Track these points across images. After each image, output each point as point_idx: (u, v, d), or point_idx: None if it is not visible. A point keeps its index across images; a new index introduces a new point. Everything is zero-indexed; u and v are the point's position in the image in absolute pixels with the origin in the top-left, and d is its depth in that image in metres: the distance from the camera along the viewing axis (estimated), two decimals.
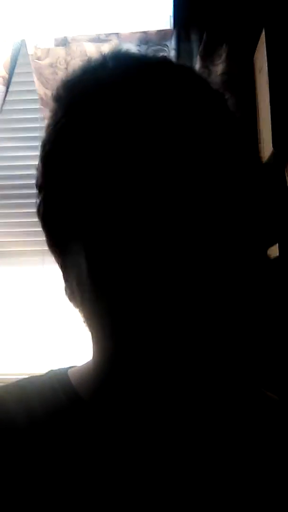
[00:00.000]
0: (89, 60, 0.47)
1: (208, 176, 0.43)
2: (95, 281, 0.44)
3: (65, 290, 0.49)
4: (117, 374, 0.46)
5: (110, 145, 0.42)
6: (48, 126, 0.46)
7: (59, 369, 0.53)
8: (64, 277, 0.49)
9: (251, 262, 0.46)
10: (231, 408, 0.48)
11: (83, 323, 0.48)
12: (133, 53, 0.50)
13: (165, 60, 0.48)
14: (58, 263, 0.49)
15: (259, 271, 0.46)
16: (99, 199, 0.42)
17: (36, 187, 0.48)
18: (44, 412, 0.47)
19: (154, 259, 0.41)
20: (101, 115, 0.43)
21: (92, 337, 0.48)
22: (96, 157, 0.42)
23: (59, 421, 0.47)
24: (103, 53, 0.47)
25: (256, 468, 0.45)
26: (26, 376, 0.54)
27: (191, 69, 0.48)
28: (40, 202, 0.48)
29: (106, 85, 0.44)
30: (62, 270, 0.49)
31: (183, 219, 0.42)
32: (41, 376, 0.53)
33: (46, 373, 0.53)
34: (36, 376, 0.53)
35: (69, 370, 0.53)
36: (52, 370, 0.53)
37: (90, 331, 0.48)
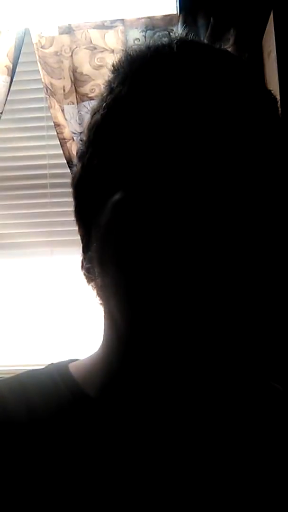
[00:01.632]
0: (155, 39, 0.47)
1: (257, 177, 0.42)
2: (119, 258, 0.42)
3: (82, 263, 0.48)
4: (129, 366, 0.45)
5: (169, 122, 0.42)
6: (104, 93, 0.47)
7: (59, 363, 0.52)
8: (85, 248, 0.48)
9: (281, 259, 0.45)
10: (237, 400, 0.47)
11: (97, 303, 0.47)
12: (199, 40, 0.51)
13: (227, 52, 0.48)
14: (80, 235, 0.49)
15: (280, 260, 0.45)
16: (143, 175, 0.42)
17: (77, 155, 0.49)
18: (46, 408, 0.47)
19: (186, 244, 0.40)
20: (163, 95, 0.43)
21: (106, 320, 0.47)
22: (152, 133, 0.42)
23: (64, 419, 0.46)
24: (169, 36, 0.47)
25: (262, 459, 0.45)
26: (26, 370, 0.53)
27: (246, 64, 0.48)
28: (78, 169, 0.48)
29: (171, 66, 0.44)
30: (84, 242, 0.48)
31: (223, 210, 0.41)
32: (42, 369, 0.52)
33: (47, 367, 0.52)
34: (36, 369, 0.52)
35: (70, 364, 0.52)
36: (52, 364, 0.53)
37: (105, 311, 0.47)
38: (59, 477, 0.43)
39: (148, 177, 0.41)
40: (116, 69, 0.47)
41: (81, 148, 0.48)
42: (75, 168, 0.49)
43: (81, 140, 0.49)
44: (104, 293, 0.46)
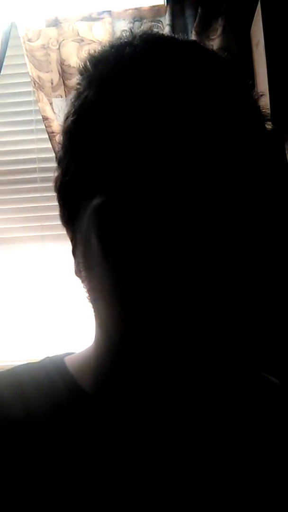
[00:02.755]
0: (118, 38, 0.47)
1: (235, 168, 0.42)
2: (106, 258, 0.42)
3: (74, 266, 0.48)
4: (123, 364, 0.45)
5: (137, 124, 0.41)
6: (73, 98, 0.46)
7: (55, 356, 0.52)
8: (73, 252, 0.48)
9: (267, 250, 0.45)
10: (232, 395, 0.47)
11: (89, 304, 0.47)
12: (162, 34, 0.50)
13: (195, 44, 0.47)
14: (69, 238, 0.49)
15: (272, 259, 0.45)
16: (119, 179, 0.41)
17: (56, 160, 0.48)
18: (42, 404, 0.46)
19: (171, 241, 0.39)
20: (130, 95, 0.42)
21: (96, 320, 0.47)
22: (122, 136, 0.42)
23: (61, 415, 0.45)
24: (131, 31, 0.46)
25: (259, 454, 0.44)
26: (22, 363, 0.53)
27: (221, 56, 0.47)
28: (58, 174, 0.48)
29: (135, 65, 0.43)
30: (72, 245, 0.48)
31: (207, 203, 0.40)
32: (38, 363, 0.52)
33: (42, 360, 0.52)
34: (32, 363, 0.52)
35: (65, 358, 0.51)
36: (48, 357, 0.52)
37: (95, 312, 0.46)
38: (57, 474, 0.43)
39: (124, 181, 0.41)
40: (82, 72, 0.47)
41: (60, 152, 0.48)
42: (56, 173, 0.49)
43: (59, 143, 0.49)
44: (91, 296, 0.46)
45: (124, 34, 0.47)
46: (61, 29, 1.61)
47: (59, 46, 1.61)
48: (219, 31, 1.48)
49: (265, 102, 0.49)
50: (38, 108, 1.63)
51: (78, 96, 0.46)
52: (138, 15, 1.60)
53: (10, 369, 0.51)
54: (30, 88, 1.66)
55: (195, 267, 0.40)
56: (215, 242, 0.40)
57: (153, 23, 1.58)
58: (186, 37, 1.54)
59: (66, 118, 0.47)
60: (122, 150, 0.41)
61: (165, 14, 1.57)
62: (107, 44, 0.47)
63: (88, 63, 0.47)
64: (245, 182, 0.42)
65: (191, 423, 0.45)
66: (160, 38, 0.47)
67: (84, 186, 0.44)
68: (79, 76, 0.47)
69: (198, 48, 0.46)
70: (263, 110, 0.47)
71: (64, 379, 0.48)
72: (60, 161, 0.48)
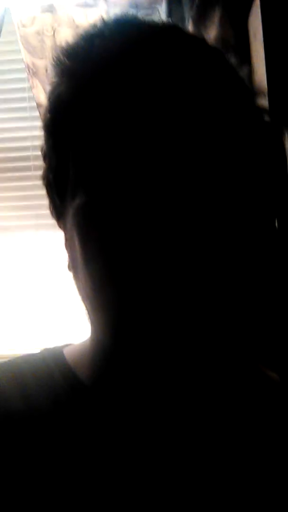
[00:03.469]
0: (92, 26, 0.45)
1: (215, 160, 0.41)
2: (86, 264, 0.42)
3: (67, 260, 0.48)
4: (115, 360, 0.44)
5: (109, 123, 0.41)
6: (49, 93, 0.46)
7: (54, 348, 0.52)
8: (65, 246, 0.48)
9: (257, 238, 0.45)
10: (231, 390, 0.47)
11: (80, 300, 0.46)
12: (137, 20, 0.47)
13: (173, 29, 0.45)
14: (62, 231, 0.49)
15: (265, 248, 0.45)
16: (99, 176, 0.41)
17: (41, 154, 0.48)
18: (41, 395, 0.46)
19: (152, 238, 0.39)
20: (99, 93, 0.41)
21: (89, 318, 0.47)
22: (95, 136, 0.41)
23: (60, 408, 0.45)
24: (105, 19, 0.45)
25: (258, 451, 0.44)
26: (21, 355, 0.52)
27: (203, 40, 0.46)
28: (43, 170, 0.47)
29: (104, 61, 0.42)
30: (64, 239, 0.48)
31: (187, 199, 0.40)
32: (37, 354, 0.51)
33: (41, 352, 0.52)
34: (31, 354, 0.52)
35: (64, 349, 0.51)
36: (46, 349, 0.52)
37: (86, 310, 0.46)
38: (56, 467, 0.42)
39: (104, 181, 0.40)
40: (55, 65, 0.46)
41: (44, 147, 0.47)
42: (43, 165, 0.48)
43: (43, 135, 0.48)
44: (79, 294, 0.45)
45: (96, 23, 0.45)
46: (56, 16, 1.59)
47: (54, 32, 1.59)
48: (216, 21, 1.46)
49: (263, 91, 0.49)
50: (32, 95, 1.61)
51: (52, 92, 0.45)
52: (134, 2, 1.58)
53: (10, 359, 0.51)
54: (24, 75, 1.64)
55: (176, 274, 0.39)
56: (195, 236, 0.40)
57: (149, 11, 1.56)
58: (183, 26, 1.53)
59: (45, 113, 0.46)
60: (98, 149, 0.41)
61: (162, 2, 1.55)
62: (79, 35, 0.45)
63: (61, 56, 0.45)
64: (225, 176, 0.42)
65: (188, 415, 0.44)
66: (132, 27, 0.45)
67: (66, 184, 0.44)
68: (53, 69, 0.46)
69: (173, 35, 0.44)
70: (254, 91, 0.46)
71: (62, 371, 0.48)
72: (44, 155, 0.47)
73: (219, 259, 0.41)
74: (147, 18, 0.47)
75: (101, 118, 0.41)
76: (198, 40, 0.46)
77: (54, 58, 0.46)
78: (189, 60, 0.42)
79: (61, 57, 0.45)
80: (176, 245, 0.39)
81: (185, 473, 0.42)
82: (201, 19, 1.47)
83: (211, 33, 1.46)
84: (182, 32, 0.46)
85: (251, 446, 0.44)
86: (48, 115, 0.46)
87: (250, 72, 1.37)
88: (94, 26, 0.45)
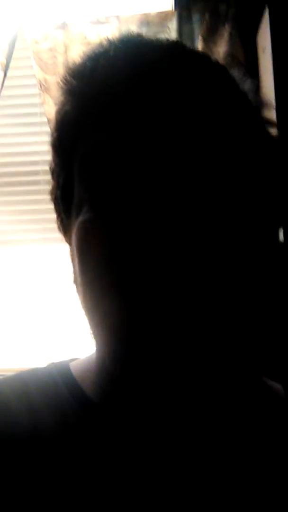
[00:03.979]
0: (98, 45, 0.46)
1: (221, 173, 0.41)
2: (84, 279, 0.42)
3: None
4: (119, 379, 0.44)
5: (113, 143, 0.41)
6: (56, 112, 0.46)
7: (60, 362, 0.51)
8: (72, 260, 0.48)
9: (261, 248, 0.45)
10: (236, 403, 0.46)
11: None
12: (142, 39, 0.47)
13: (176, 47, 0.46)
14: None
15: (269, 257, 0.44)
16: (104, 193, 0.41)
17: (50, 171, 0.48)
18: (48, 411, 0.46)
19: (153, 254, 0.39)
20: (103, 110, 0.42)
21: (91, 332, 0.46)
22: (100, 156, 0.41)
23: (67, 424, 0.45)
24: (110, 39, 0.45)
25: (263, 463, 0.44)
26: (27, 369, 0.52)
27: (205, 57, 0.46)
28: (52, 186, 0.48)
29: (108, 81, 0.43)
30: (70, 254, 0.48)
31: (190, 214, 0.40)
32: (43, 369, 0.51)
33: (47, 366, 0.51)
34: (38, 368, 0.51)
35: (70, 364, 0.51)
36: (53, 363, 0.52)
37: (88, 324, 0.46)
38: (64, 485, 0.42)
39: (108, 198, 0.40)
40: (63, 85, 0.46)
41: (51, 164, 0.48)
42: (52, 182, 0.49)
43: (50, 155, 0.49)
44: (81, 307, 0.45)
45: (102, 43, 0.46)
46: (68, 32, 1.61)
47: (66, 49, 1.61)
48: (225, 37, 1.48)
49: (271, 109, 0.49)
50: (43, 110, 1.63)
51: (59, 110, 0.46)
52: (146, 20, 1.60)
53: (17, 374, 0.51)
54: (36, 90, 1.66)
55: (177, 292, 0.39)
56: (197, 257, 0.39)
57: (160, 29, 1.58)
58: (192, 42, 1.54)
59: (52, 132, 0.47)
60: (99, 168, 0.41)
61: (172, 20, 1.57)
62: (86, 54, 0.46)
63: (68, 76, 0.46)
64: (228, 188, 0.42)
65: (193, 430, 0.44)
66: (136, 46, 0.45)
67: (72, 201, 0.44)
68: (60, 88, 0.47)
69: (177, 53, 0.45)
70: (259, 105, 0.46)
71: (69, 387, 0.48)
72: (52, 172, 0.48)
73: (223, 270, 0.41)
74: (153, 36, 0.47)
75: (105, 137, 0.41)
76: (201, 56, 0.46)
77: (62, 77, 0.47)
78: (191, 77, 0.43)
79: (68, 77, 0.46)
80: (178, 261, 0.39)
81: (194, 491, 0.42)
82: (210, 35, 1.48)
83: (220, 49, 1.47)
84: (185, 49, 0.46)
85: (256, 459, 0.44)
86: (55, 133, 0.46)
87: (258, 86, 1.38)
88: (100, 45, 0.46)
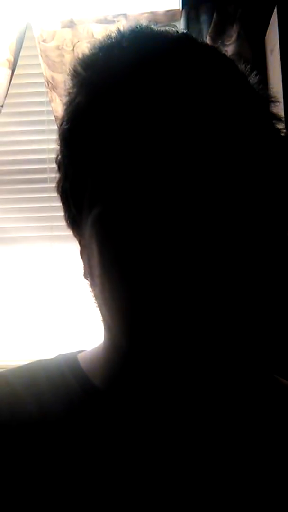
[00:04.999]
0: (108, 37, 0.45)
1: (236, 172, 0.41)
2: (105, 270, 0.42)
3: (83, 268, 0.48)
4: (130, 365, 0.45)
5: (128, 132, 0.41)
6: (66, 103, 0.46)
7: (67, 354, 0.52)
8: (81, 254, 0.48)
9: (272, 248, 0.45)
10: (242, 396, 0.47)
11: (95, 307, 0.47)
12: (152, 31, 0.46)
13: (186, 39, 0.45)
14: (77, 240, 0.49)
15: (279, 258, 0.45)
16: (119, 185, 0.41)
17: (56, 163, 0.48)
18: (55, 399, 0.46)
19: (171, 248, 0.39)
20: (120, 102, 0.42)
21: (103, 323, 0.47)
22: (116, 145, 0.41)
23: (74, 411, 0.45)
24: (121, 30, 0.45)
25: (265, 456, 0.44)
26: (35, 360, 0.53)
27: (214, 49, 0.46)
28: (59, 178, 0.47)
29: (123, 69, 0.43)
30: (80, 247, 0.48)
31: (207, 205, 0.40)
32: (51, 360, 0.52)
33: (55, 357, 0.52)
34: (45, 360, 0.52)
35: (78, 355, 0.51)
36: (61, 354, 0.52)
37: (101, 316, 0.46)
38: (71, 472, 0.43)
39: (123, 190, 0.41)
40: (72, 76, 0.46)
41: (59, 156, 0.47)
42: (57, 175, 0.48)
43: (58, 145, 0.48)
44: (97, 301, 0.46)
45: (112, 34, 0.45)
46: (76, 31, 1.62)
47: (74, 47, 1.61)
48: (233, 37, 1.48)
49: (279, 108, 0.49)
50: (50, 108, 1.64)
51: (70, 102, 0.45)
52: (153, 19, 1.60)
53: (24, 365, 0.51)
54: (43, 89, 1.66)
55: (196, 277, 0.40)
56: (213, 246, 0.40)
57: (168, 28, 1.58)
58: None
59: (61, 123, 0.46)
60: (117, 158, 0.41)
61: (180, 19, 1.57)
62: (96, 46, 0.46)
63: (78, 67, 0.46)
64: (241, 184, 0.42)
65: (199, 421, 0.44)
66: (148, 38, 0.45)
67: (84, 193, 0.44)
68: (70, 80, 0.46)
69: (188, 45, 0.45)
70: (267, 98, 0.46)
71: (77, 376, 0.48)
72: (59, 165, 0.47)
73: (233, 264, 0.41)
74: (162, 28, 0.47)
75: (120, 128, 0.41)
76: (211, 49, 0.46)
77: (71, 69, 0.46)
78: (205, 69, 0.43)
79: (78, 68, 0.46)
80: (189, 253, 0.39)
81: (200, 480, 0.42)
82: (218, 35, 1.48)
83: (228, 49, 1.47)
84: (196, 41, 0.46)
85: (266, 455, 0.44)
86: (66, 125, 0.46)
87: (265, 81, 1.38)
88: (109, 37, 0.45)
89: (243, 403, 0.47)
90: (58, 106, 1.61)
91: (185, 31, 0.47)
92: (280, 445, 0.45)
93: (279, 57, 1.20)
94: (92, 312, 0.47)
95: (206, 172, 0.40)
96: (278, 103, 0.47)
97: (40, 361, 0.52)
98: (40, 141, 1.74)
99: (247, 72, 0.46)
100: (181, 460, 0.43)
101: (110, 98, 0.42)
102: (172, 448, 0.43)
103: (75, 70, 0.46)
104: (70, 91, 0.46)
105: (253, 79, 0.46)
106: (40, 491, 0.42)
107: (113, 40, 0.45)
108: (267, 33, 1.40)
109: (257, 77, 0.46)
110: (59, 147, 0.47)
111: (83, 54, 0.46)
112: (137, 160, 0.40)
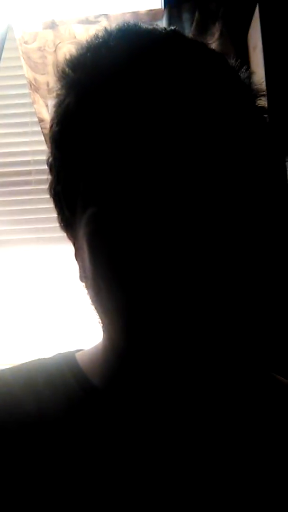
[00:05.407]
0: (95, 36, 0.45)
1: (222, 167, 0.41)
2: (96, 271, 0.42)
3: (78, 271, 0.48)
4: (128, 365, 0.45)
5: (117, 133, 0.41)
6: (56, 105, 0.45)
7: (66, 352, 0.52)
8: (76, 256, 0.48)
9: (263, 249, 0.45)
10: (243, 394, 0.47)
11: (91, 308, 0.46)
12: (140, 28, 0.46)
13: (174, 35, 0.45)
14: (71, 242, 0.49)
15: (269, 257, 0.45)
16: (109, 186, 0.41)
17: (47, 166, 0.47)
18: (53, 398, 0.46)
19: (166, 246, 0.39)
20: (108, 103, 0.41)
21: (100, 323, 0.47)
22: (105, 146, 0.41)
23: (72, 410, 0.45)
24: (108, 29, 0.45)
25: (264, 454, 0.44)
26: (33, 359, 0.52)
27: (204, 45, 0.46)
28: (51, 180, 0.47)
29: (111, 70, 0.42)
30: (74, 249, 0.48)
31: (196, 206, 0.40)
32: (49, 359, 0.51)
33: (54, 356, 0.52)
34: (43, 358, 0.52)
35: (76, 354, 0.51)
36: (59, 353, 0.52)
37: (98, 317, 0.46)
38: (70, 471, 0.42)
39: (114, 191, 0.40)
40: (60, 77, 0.46)
41: (50, 159, 0.47)
42: (49, 178, 0.48)
43: (49, 149, 0.48)
44: (92, 302, 0.45)
45: (99, 34, 0.45)
46: (57, 32, 1.61)
47: (56, 48, 1.61)
48: (216, 35, 1.48)
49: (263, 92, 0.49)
50: (33, 110, 1.62)
51: (59, 104, 0.45)
52: (135, 19, 1.60)
53: (22, 364, 0.51)
54: (26, 90, 1.65)
55: (190, 275, 0.40)
56: (207, 244, 0.40)
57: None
58: None
59: (51, 125, 0.46)
60: (109, 159, 0.41)
61: (162, 18, 1.56)
62: (84, 46, 0.45)
63: (66, 68, 0.45)
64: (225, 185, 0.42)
65: (197, 420, 0.44)
66: (136, 36, 0.45)
67: (77, 194, 0.44)
68: (58, 82, 0.46)
69: (177, 41, 0.44)
70: (255, 93, 0.46)
71: (75, 375, 0.48)
72: (51, 167, 0.47)
73: (225, 260, 0.41)
74: (149, 25, 0.46)
75: (111, 128, 0.41)
76: (200, 44, 0.46)
77: (59, 70, 0.46)
78: (196, 65, 0.42)
79: (67, 69, 0.45)
80: (183, 251, 0.39)
81: (199, 478, 0.42)
82: (201, 33, 1.48)
83: (211, 47, 1.47)
84: (185, 37, 0.46)
85: (264, 453, 0.44)
86: (56, 127, 0.45)
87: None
88: (97, 36, 0.45)
89: (241, 400, 0.46)
90: (41, 108, 1.60)
91: (172, 28, 0.46)
92: (278, 442, 0.45)
93: (262, 54, 1.21)
94: (86, 312, 0.47)
95: (198, 170, 0.40)
96: (264, 98, 0.47)
97: (38, 359, 0.52)
98: (24, 143, 1.73)
99: (237, 67, 0.46)
100: (179, 458, 0.43)
101: (100, 98, 0.42)
102: (171, 446, 0.43)
103: (63, 72, 0.46)
104: (59, 92, 0.45)
105: (243, 73, 0.46)
106: (39, 490, 0.41)
107: (101, 39, 0.44)
108: (250, 30, 1.40)
109: (247, 71, 0.46)
110: (50, 149, 0.47)
111: (70, 55, 0.46)
112: (130, 159, 0.40)
